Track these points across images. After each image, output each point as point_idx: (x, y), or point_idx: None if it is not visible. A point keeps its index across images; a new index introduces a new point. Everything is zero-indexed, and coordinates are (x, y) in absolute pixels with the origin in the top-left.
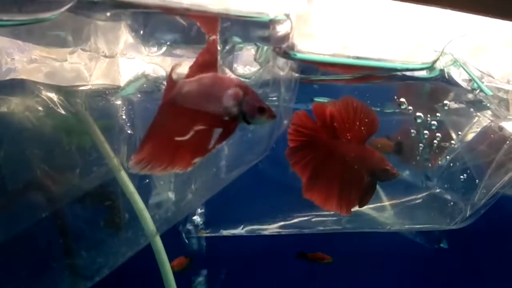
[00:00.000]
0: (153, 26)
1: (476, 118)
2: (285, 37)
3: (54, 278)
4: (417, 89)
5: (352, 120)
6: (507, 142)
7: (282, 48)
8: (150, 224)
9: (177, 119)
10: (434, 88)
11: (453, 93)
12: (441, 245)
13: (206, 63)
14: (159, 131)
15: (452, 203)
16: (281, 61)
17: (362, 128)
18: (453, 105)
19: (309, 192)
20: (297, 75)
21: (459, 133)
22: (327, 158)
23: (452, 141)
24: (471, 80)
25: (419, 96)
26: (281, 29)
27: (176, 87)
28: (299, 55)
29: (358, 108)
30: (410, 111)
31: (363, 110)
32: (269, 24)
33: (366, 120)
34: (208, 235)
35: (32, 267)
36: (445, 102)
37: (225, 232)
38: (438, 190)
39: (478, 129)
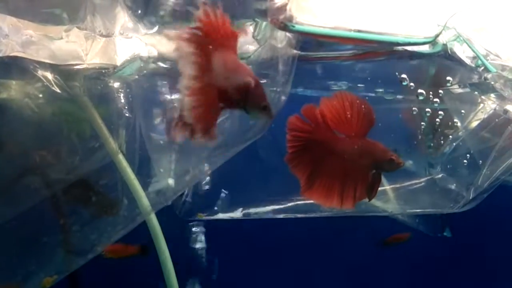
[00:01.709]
0: (151, 5)
1: (481, 105)
2: (283, 8)
3: (46, 253)
4: (421, 68)
5: (349, 115)
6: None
7: (280, 19)
8: (145, 202)
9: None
10: (438, 70)
11: (458, 76)
12: (445, 233)
13: (223, 36)
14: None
15: (455, 186)
16: (279, 36)
17: (360, 121)
18: (457, 89)
19: (308, 191)
20: (295, 51)
21: (462, 111)
22: (328, 157)
23: (455, 121)
24: (475, 57)
25: (422, 75)
26: (278, 0)
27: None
28: (297, 27)
29: (352, 102)
30: (412, 88)
31: (357, 103)
32: None
33: (362, 112)
34: (205, 218)
35: (25, 242)
36: (448, 78)
37: (222, 216)
38: (441, 175)
39: (483, 115)
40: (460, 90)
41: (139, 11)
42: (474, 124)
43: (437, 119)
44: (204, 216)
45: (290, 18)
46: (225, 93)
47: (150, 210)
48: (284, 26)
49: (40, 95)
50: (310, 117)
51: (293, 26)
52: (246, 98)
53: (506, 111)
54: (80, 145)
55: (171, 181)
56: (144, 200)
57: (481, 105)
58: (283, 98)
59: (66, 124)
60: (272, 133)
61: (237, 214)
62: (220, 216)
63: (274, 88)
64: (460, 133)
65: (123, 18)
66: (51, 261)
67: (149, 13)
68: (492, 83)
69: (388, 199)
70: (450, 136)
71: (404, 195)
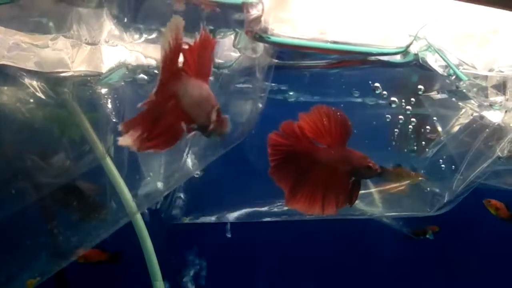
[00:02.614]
0: (136, 13)
1: (463, 110)
2: (258, 19)
3: (30, 255)
4: (396, 76)
5: (327, 126)
6: (486, 130)
7: (255, 30)
8: (132, 205)
9: (171, 111)
10: (420, 78)
11: (438, 83)
12: (427, 236)
13: (201, 66)
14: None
15: (431, 190)
16: (259, 46)
17: (337, 131)
18: (436, 95)
19: (291, 201)
20: (272, 60)
21: (435, 118)
22: (309, 167)
23: (427, 127)
24: (447, 66)
25: (398, 83)
26: (254, 12)
27: (180, 80)
28: (273, 38)
29: (329, 114)
30: (385, 96)
31: (334, 115)
32: (242, 7)
33: (340, 123)
34: (189, 222)
35: (9, 244)
36: (419, 86)
37: (206, 219)
38: (420, 179)
39: (464, 120)
40: (439, 96)
41: (125, 20)
42: (456, 128)
43: (410, 126)
44: (189, 220)
45: (265, 30)
46: (192, 118)
47: (136, 212)
48: (259, 37)
49: (31, 100)
50: (289, 132)
51: (268, 38)
52: (209, 126)
53: (482, 117)
54: (69, 149)
55: (160, 184)
56: (130, 203)
57: (463, 110)
58: (260, 105)
59: (56, 129)
60: (259, 137)
61: (222, 218)
62: (205, 220)
63: (253, 96)
64: (442, 138)
65: (109, 26)
66: (34, 263)
67: (136, 22)
68: (464, 91)
69: (371, 201)
70: (423, 142)
71: (384, 199)
